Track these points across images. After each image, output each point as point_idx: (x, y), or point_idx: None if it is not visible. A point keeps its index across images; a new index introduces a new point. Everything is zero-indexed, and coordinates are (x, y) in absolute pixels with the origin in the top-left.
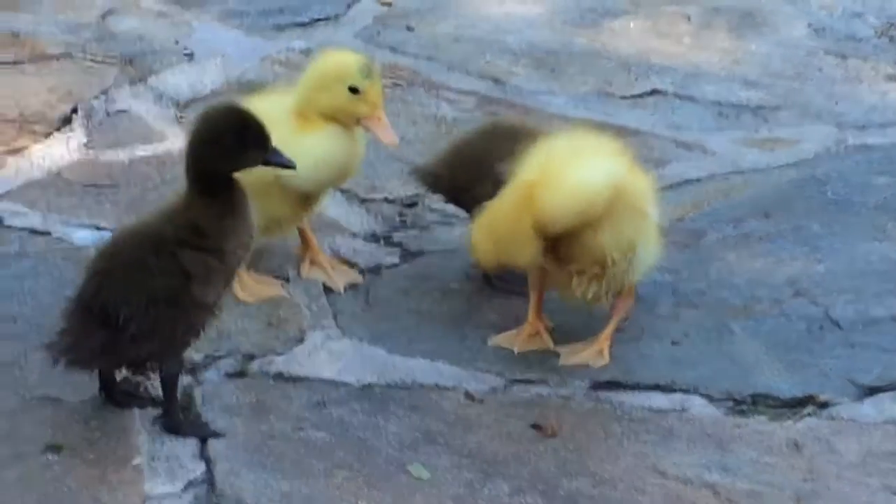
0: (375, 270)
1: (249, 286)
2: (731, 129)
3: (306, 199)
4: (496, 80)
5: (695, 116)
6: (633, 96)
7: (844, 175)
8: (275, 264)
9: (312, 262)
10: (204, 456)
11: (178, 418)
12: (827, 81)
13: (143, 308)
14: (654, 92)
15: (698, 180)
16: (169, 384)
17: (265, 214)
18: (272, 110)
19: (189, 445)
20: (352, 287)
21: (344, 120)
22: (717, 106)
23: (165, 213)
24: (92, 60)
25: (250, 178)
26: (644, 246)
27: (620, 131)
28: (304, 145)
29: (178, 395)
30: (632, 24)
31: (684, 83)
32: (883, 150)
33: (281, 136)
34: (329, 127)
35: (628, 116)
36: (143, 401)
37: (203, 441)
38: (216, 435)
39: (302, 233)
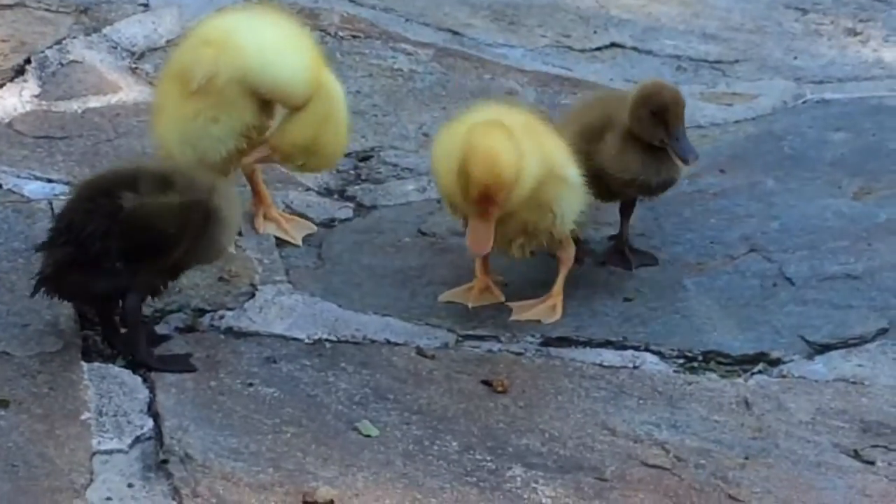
0: (328, 225)
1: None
2: (689, 83)
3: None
4: (454, 32)
5: (653, 70)
6: (592, 49)
7: (801, 130)
8: None
9: (266, 217)
10: (152, 411)
11: (144, 351)
12: (786, 36)
13: (106, 227)
14: (612, 45)
15: None
16: (132, 315)
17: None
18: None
19: (137, 401)
20: (305, 241)
21: None
22: (675, 60)
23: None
24: (46, 10)
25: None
26: (565, 202)
27: (578, 84)
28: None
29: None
30: None
31: (643, 36)
32: (840, 106)
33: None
34: None
35: (586, 69)
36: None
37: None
38: (187, 368)
39: (255, 186)
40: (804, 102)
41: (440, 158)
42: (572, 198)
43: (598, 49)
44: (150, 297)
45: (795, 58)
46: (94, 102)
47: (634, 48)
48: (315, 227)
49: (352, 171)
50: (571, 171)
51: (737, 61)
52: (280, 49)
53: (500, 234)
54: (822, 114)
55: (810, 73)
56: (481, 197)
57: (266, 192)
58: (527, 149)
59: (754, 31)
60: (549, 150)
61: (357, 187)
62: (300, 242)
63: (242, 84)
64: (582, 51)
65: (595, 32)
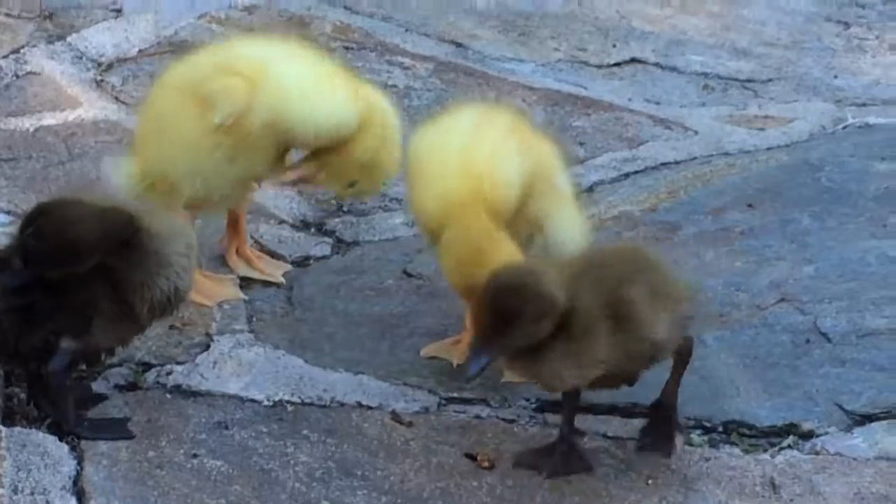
0: (302, 263)
1: (205, 287)
2: (716, 104)
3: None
4: (457, 45)
5: (676, 89)
6: (610, 65)
7: (841, 160)
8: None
9: (238, 253)
10: (77, 488)
11: (72, 417)
12: (826, 52)
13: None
14: (633, 60)
15: (676, 163)
16: (56, 377)
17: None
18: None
19: (60, 475)
20: (271, 284)
21: None
22: (702, 77)
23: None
24: (7, 14)
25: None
26: (557, 222)
27: (592, 105)
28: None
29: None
30: None
31: (667, 51)
32: (886, 132)
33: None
34: None
35: (602, 88)
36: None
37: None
38: (123, 435)
39: (235, 219)
40: (845, 128)
41: (419, 174)
42: (566, 214)
43: (617, 65)
44: (82, 361)
45: (836, 77)
46: (49, 119)
47: (657, 64)
48: (289, 266)
49: (332, 201)
50: (562, 180)
51: (770, 80)
52: (322, 92)
53: None
54: (866, 141)
55: (852, 95)
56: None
57: (244, 228)
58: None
59: (790, 47)
60: (538, 155)
61: (337, 220)
62: (282, 280)
63: (273, 129)
64: (599, 66)
65: (614, 46)
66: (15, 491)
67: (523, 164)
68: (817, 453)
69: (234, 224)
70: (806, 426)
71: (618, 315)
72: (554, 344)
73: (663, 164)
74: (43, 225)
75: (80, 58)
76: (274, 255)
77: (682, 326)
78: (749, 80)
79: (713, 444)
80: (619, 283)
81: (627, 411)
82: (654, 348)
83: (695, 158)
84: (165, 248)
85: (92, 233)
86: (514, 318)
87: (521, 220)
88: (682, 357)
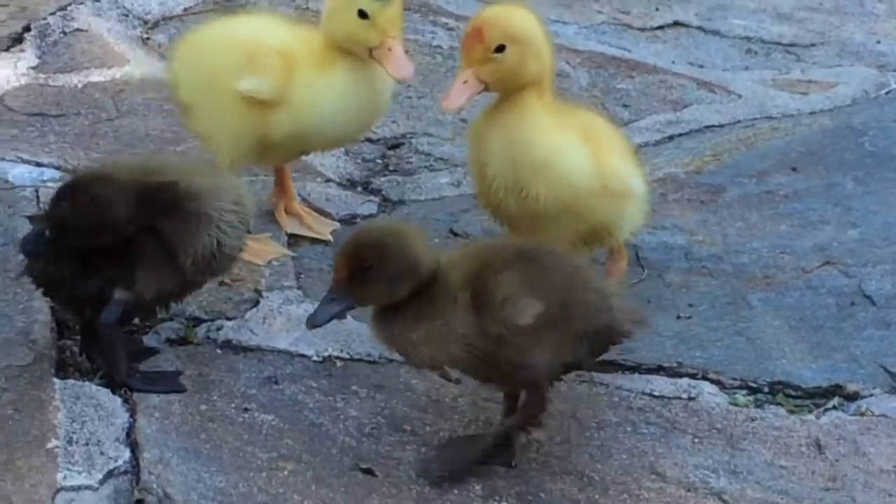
0: (349, 221)
1: (253, 246)
2: (759, 68)
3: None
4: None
5: (720, 53)
6: (653, 28)
7: (884, 124)
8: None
9: (287, 211)
10: (130, 439)
11: (124, 369)
12: (869, 17)
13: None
14: (675, 24)
15: (720, 126)
16: (108, 329)
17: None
18: (294, 42)
19: (114, 426)
20: (320, 241)
21: (357, 52)
22: (744, 41)
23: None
24: None
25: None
26: (624, 218)
27: (636, 67)
28: (311, 92)
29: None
30: None
31: (710, 15)
32: None
33: (299, 77)
34: (343, 67)
35: (646, 51)
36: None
37: (154, 393)
38: (175, 389)
39: (281, 177)
40: (888, 93)
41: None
42: (633, 211)
43: (660, 28)
44: (135, 315)
45: (879, 42)
46: (97, 76)
47: (700, 28)
48: (338, 224)
49: (379, 161)
50: (634, 182)
51: (813, 45)
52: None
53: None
54: None
55: (895, 60)
56: (473, 31)
57: (291, 185)
58: (577, 149)
59: (833, 12)
60: (609, 160)
61: (384, 179)
62: (330, 237)
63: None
64: (642, 29)
65: (657, 9)
66: (70, 442)
67: (585, 172)
68: (862, 414)
69: (281, 181)
70: (851, 388)
71: (479, 293)
72: (414, 314)
73: (707, 127)
74: (71, 205)
75: (127, 15)
76: (322, 212)
77: (580, 346)
78: (792, 45)
79: (759, 405)
80: (492, 266)
81: (673, 371)
82: (514, 336)
83: (738, 122)
84: (206, 207)
85: (118, 212)
86: (370, 271)
87: (585, 221)
88: (534, 402)
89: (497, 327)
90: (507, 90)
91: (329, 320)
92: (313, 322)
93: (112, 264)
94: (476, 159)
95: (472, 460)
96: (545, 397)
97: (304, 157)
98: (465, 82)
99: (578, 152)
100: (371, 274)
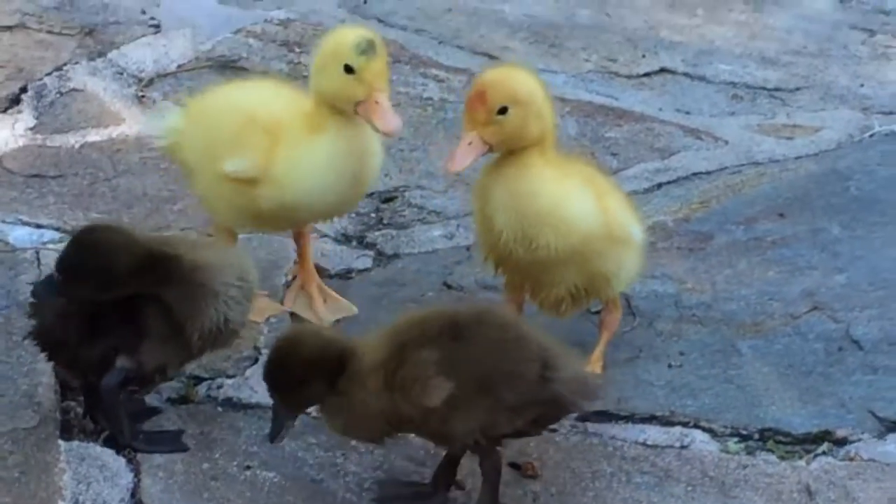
0: (345, 276)
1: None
2: (745, 113)
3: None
4: (490, 56)
5: (706, 99)
6: (640, 75)
7: (869, 168)
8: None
9: (302, 288)
10: (135, 500)
11: (127, 431)
12: (852, 60)
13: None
14: (662, 70)
15: (707, 173)
16: (108, 394)
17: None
18: (286, 112)
19: (119, 487)
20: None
21: (345, 109)
22: (730, 87)
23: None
24: (48, 31)
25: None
26: (624, 266)
27: (624, 116)
28: (292, 167)
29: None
30: None
31: (696, 61)
32: None
33: (283, 153)
34: (330, 133)
35: (633, 98)
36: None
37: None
38: (178, 448)
39: (300, 250)
40: (872, 136)
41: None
42: (632, 260)
43: (647, 75)
44: (135, 385)
45: (862, 85)
46: (94, 136)
47: (686, 74)
48: (355, 310)
49: (373, 214)
50: (634, 231)
51: (798, 89)
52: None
53: (545, 297)
54: (893, 149)
55: (879, 103)
56: (476, 94)
57: (309, 261)
58: (581, 196)
59: (817, 55)
60: (610, 206)
61: (378, 233)
62: (326, 323)
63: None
64: (629, 77)
65: (643, 56)
66: (76, 503)
67: (589, 218)
68: (851, 459)
69: (300, 255)
70: (840, 433)
71: (393, 372)
72: (336, 403)
73: (695, 174)
74: (78, 250)
75: (121, 73)
76: (318, 267)
77: (518, 417)
78: (777, 89)
79: (750, 452)
80: (410, 345)
81: (665, 420)
82: (427, 416)
83: (725, 168)
84: (212, 281)
85: (126, 261)
86: (288, 385)
87: (586, 268)
88: (487, 471)
89: (407, 408)
90: (510, 150)
91: (281, 433)
92: (270, 439)
93: (117, 332)
94: (482, 213)
95: None
96: (495, 458)
97: None
98: (469, 144)
99: (583, 198)
100: (287, 390)
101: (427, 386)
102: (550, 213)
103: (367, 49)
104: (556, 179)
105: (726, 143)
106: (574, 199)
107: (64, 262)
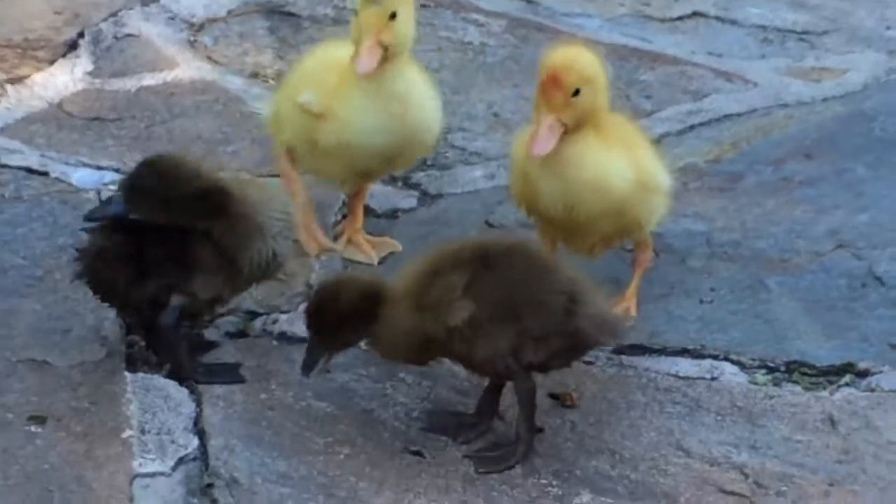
0: (391, 216)
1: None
2: (774, 56)
3: (366, 170)
4: (528, 1)
5: (737, 42)
6: (673, 19)
7: (894, 109)
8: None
9: (350, 240)
10: (198, 428)
11: (187, 366)
12: (878, 2)
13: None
14: (694, 14)
15: (738, 115)
16: (167, 332)
17: (322, 175)
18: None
19: (182, 416)
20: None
21: None
22: (760, 30)
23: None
24: None
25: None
26: (655, 212)
27: (657, 59)
28: (345, 96)
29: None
30: None
31: (728, 4)
32: None
33: (345, 80)
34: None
35: (666, 41)
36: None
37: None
38: (236, 379)
39: (353, 204)
40: None
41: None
42: (662, 204)
43: (680, 18)
44: (190, 319)
45: (888, 27)
46: (149, 80)
47: (717, 17)
48: (399, 246)
49: None
50: (663, 179)
51: (825, 32)
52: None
53: (579, 242)
54: None
55: None
56: (550, 79)
57: (360, 214)
58: (621, 161)
59: None
60: (643, 162)
61: (422, 173)
62: (375, 262)
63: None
64: (662, 20)
65: (676, 0)
66: (142, 432)
67: (626, 175)
68: (872, 390)
69: (352, 209)
70: (862, 365)
71: (421, 294)
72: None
73: (726, 117)
74: (144, 170)
75: (174, 19)
76: (367, 210)
77: (541, 347)
78: (805, 32)
79: (776, 383)
80: (441, 270)
81: (697, 353)
82: (451, 335)
83: (755, 110)
84: (260, 216)
85: (183, 189)
86: (331, 330)
87: (622, 219)
88: (522, 396)
89: (433, 328)
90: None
91: (316, 370)
92: (303, 374)
93: (168, 270)
94: (521, 171)
95: (506, 467)
96: (529, 385)
97: None
98: (549, 127)
99: (623, 163)
100: (334, 331)
101: (451, 307)
102: (594, 182)
103: None
104: (600, 149)
105: (756, 85)
106: (616, 166)
107: (128, 180)
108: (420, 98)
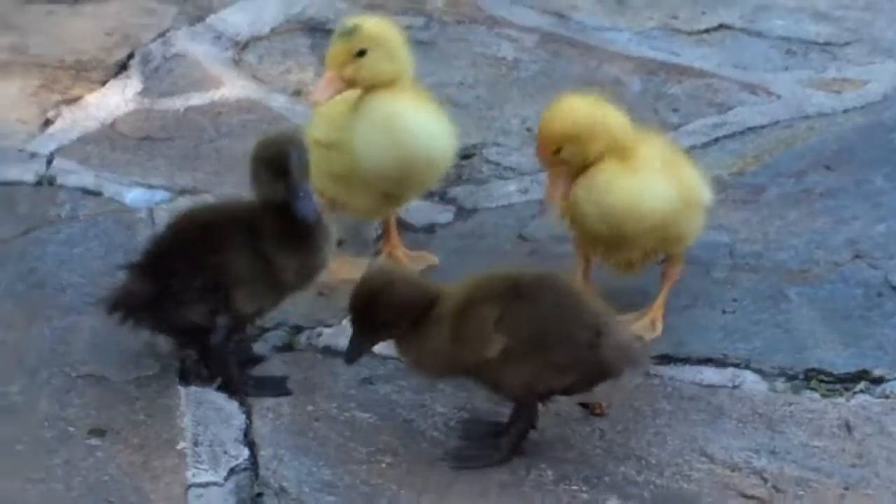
0: (429, 230)
1: (345, 265)
2: (798, 68)
3: (385, 195)
4: (559, 16)
5: (762, 54)
6: (700, 31)
7: None
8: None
9: (390, 256)
10: (248, 439)
11: (237, 380)
12: None
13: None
14: (721, 26)
15: (761, 127)
16: (217, 353)
17: (349, 205)
18: None
19: (233, 428)
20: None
21: None
22: (785, 42)
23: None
24: None
25: (335, 169)
26: (697, 228)
27: (685, 72)
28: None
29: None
30: None
31: (753, 16)
32: None
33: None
34: (364, 100)
35: (693, 54)
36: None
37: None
38: (284, 392)
39: (385, 224)
40: None
41: None
42: (702, 220)
43: (706, 31)
44: (235, 330)
45: None
46: (196, 100)
47: (743, 30)
48: (436, 259)
49: (453, 170)
50: (705, 194)
51: (847, 43)
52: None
53: (620, 256)
54: None
55: None
56: (542, 143)
57: (395, 232)
58: (655, 182)
59: (866, 9)
60: (686, 180)
61: (458, 188)
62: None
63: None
64: (689, 33)
65: (704, 13)
66: (196, 443)
67: (671, 198)
68: (887, 397)
69: (386, 230)
70: (877, 372)
71: (459, 322)
72: (414, 336)
73: (750, 129)
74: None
75: (219, 38)
76: (405, 225)
77: (565, 376)
78: (827, 44)
79: (795, 390)
80: (476, 300)
81: (720, 362)
82: (483, 366)
83: (778, 122)
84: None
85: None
86: (372, 320)
87: (665, 236)
88: (523, 419)
89: (468, 356)
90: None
91: (358, 358)
92: (346, 361)
93: (206, 297)
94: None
95: (484, 466)
96: (532, 414)
97: None
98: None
99: (659, 185)
100: (375, 322)
101: (486, 341)
102: (628, 206)
103: (338, 32)
104: (626, 174)
105: (779, 97)
106: (649, 188)
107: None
108: (418, 123)
